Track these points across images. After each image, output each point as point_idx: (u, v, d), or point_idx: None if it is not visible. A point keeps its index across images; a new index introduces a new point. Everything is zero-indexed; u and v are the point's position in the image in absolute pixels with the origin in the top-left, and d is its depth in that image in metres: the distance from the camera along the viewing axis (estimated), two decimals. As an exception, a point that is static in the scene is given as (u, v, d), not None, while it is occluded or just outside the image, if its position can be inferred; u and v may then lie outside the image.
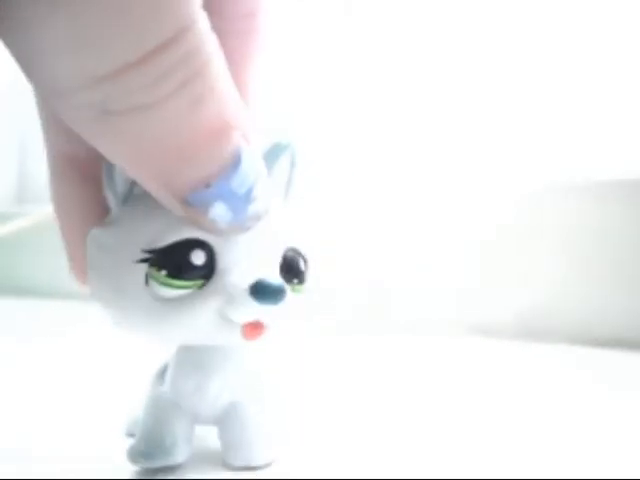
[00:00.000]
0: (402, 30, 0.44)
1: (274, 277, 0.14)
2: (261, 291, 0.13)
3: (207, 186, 0.11)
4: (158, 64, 0.10)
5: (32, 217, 0.45)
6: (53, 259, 0.59)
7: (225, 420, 0.16)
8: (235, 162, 0.11)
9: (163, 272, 0.13)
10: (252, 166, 0.12)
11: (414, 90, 0.44)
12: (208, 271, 0.13)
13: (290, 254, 0.15)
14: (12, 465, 0.16)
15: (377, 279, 0.41)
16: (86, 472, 0.16)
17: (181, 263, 0.13)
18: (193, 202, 0.12)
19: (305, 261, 0.15)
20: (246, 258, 0.14)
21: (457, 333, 0.37)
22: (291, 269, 0.15)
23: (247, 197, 0.12)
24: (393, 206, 0.41)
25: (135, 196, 0.14)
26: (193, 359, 0.16)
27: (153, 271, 0.13)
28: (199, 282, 0.13)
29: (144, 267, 0.13)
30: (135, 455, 0.15)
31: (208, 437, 0.17)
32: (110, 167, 0.14)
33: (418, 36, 0.43)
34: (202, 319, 0.13)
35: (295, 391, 0.20)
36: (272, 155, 0.15)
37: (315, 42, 0.46)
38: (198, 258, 0.13)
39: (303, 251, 0.15)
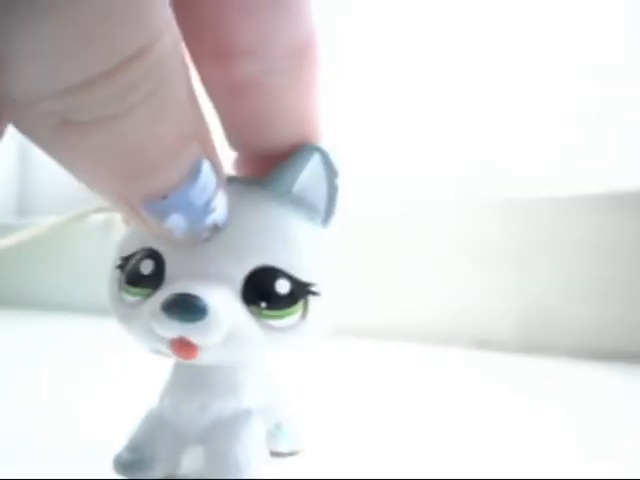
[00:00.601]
0: (400, 29, 0.44)
1: (202, 294, 0.13)
2: (170, 305, 0.12)
3: (164, 198, 0.11)
4: (124, 77, 0.09)
5: (32, 229, 0.45)
6: (53, 271, 0.60)
7: (208, 440, 0.15)
8: (194, 174, 0.11)
9: (123, 278, 0.14)
10: (211, 177, 0.12)
11: (413, 92, 0.44)
12: (156, 281, 0.14)
13: (259, 273, 0.13)
14: (12, 465, 0.16)
15: (377, 288, 0.41)
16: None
17: (133, 271, 0.14)
18: (149, 212, 0.12)
19: (299, 284, 0.14)
20: (192, 272, 0.13)
21: (456, 345, 0.37)
22: (254, 290, 0.13)
23: (205, 208, 0.12)
24: (390, 210, 0.42)
25: None
26: (181, 376, 0.16)
27: (121, 276, 0.14)
28: (146, 291, 0.14)
29: (118, 273, 0.14)
30: (116, 464, 0.15)
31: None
32: None
33: (414, 34, 0.44)
34: (140, 328, 0.14)
35: (305, 411, 0.20)
36: (298, 160, 0.14)
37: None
38: (146, 267, 0.14)
39: (298, 274, 0.14)
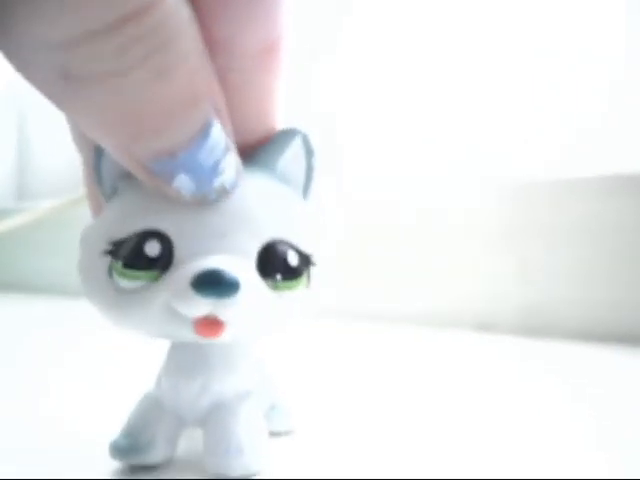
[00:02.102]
0: (400, 22, 0.44)
1: (229, 268, 0.12)
2: (202, 282, 0.12)
3: (172, 156, 0.11)
4: (123, 34, 0.10)
5: (31, 213, 0.45)
6: (52, 255, 0.60)
7: (207, 423, 0.15)
8: (203, 133, 0.11)
9: (120, 263, 0.13)
10: (220, 139, 0.12)
11: (412, 87, 0.44)
12: (164, 263, 0.13)
13: (273, 246, 0.14)
14: (12, 465, 0.16)
15: (378, 272, 0.41)
16: (70, 469, 0.16)
17: (135, 254, 0.13)
18: (157, 171, 0.11)
19: (303, 256, 0.14)
20: (208, 249, 0.13)
21: (457, 328, 0.37)
22: (270, 263, 0.14)
23: (214, 169, 0.12)
24: (392, 199, 0.41)
25: (118, 193, 0.14)
26: (179, 358, 0.16)
27: (113, 262, 0.13)
28: (153, 274, 0.13)
29: (108, 259, 0.13)
30: (113, 450, 0.15)
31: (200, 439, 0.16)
32: (98, 166, 0.14)
33: (417, 25, 0.43)
34: (152, 312, 0.13)
35: (299, 392, 0.20)
36: (281, 142, 0.15)
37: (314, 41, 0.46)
38: (152, 249, 0.13)
39: (301, 246, 0.14)
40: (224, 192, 0.13)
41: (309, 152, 0.15)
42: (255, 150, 0.15)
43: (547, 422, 0.20)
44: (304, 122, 0.15)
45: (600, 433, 0.19)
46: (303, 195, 0.16)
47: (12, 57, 0.10)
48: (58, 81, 0.10)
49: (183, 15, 0.10)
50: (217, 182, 0.12)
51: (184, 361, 0.15)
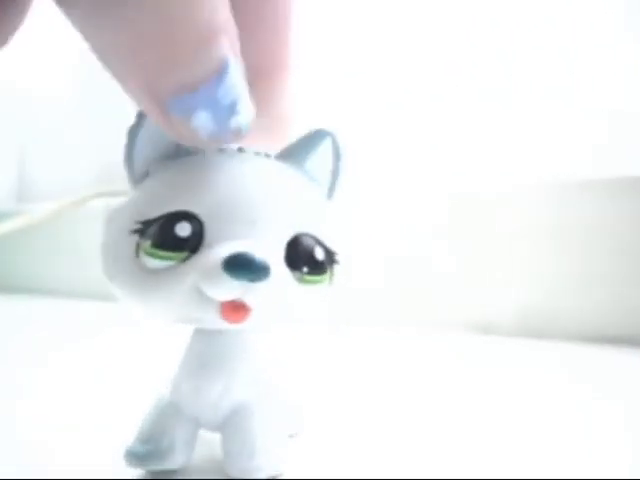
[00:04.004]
0: (403, 24, 0.44)
1: (259, 253, 0.12)
2: (235, 264, 0.12)
3: (193, 91, 0.11)
4: None
5: (31, 216, 0.45)
6: (51, 257, 0.60)
7: (227, 427, 0.15)
8: (222, 70, 0.11)
9: (148, 242, 0.13)
10: (238, 77, 0.11)
11: (412, 90, 0.44)
12: (194, 244, 0.13)
13: (301, 239, 0.14)
14: (11, 465, 0.16)
15: (379, 276, 0.41)
16: (87, 473, 0.16)
17: (165, 233, 0.13)
18: (176, 108, 0.11)
19: (328, 252, 0.14)
20: (238, 234, 0.13)
21: (457, 330, 0.37)
22: (297, 255, 0.14)
23: (231, 108, 0.12)
24: (394, 202, 0.41)
25: (149, 176, 0.14)
26: (197, 360, 0.15)
27: (141, 241, 0.13)
28: (183, 254, 0.13)
29: (136, 238, 0.13)
30: (131, 457, 0.15)
31: (215, 443, 0.16)
32: (131, 150, 0.14)
33: (415, 35, 0.43)
34: (178, 293, 0.13)
35: (306, 394, 0.20)
36: (311, 142, 0.15)
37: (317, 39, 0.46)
38: (183, 230, 0.13)
39: (327, 243, 0.14)
40: (239, 134, 0.12)
41: (337, 154, 0.15)
42: (286, 146, 0.15)
43: (547, 423, 0.19)
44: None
45: (600, 433, 0.18)
46: (328, 195, 0.16)
47: None
48: (92, 3, 0.10)
49: None
50: (234, 122, 0.12)
51: (205, 364, 0.15)
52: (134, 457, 0.15)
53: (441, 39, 0.42)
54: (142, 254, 0.13)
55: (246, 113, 0.12)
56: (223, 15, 0.11)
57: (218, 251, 0.13)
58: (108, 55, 0.11)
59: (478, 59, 0.41)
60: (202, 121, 0.12)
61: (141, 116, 0.14)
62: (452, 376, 0.26)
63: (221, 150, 0.14)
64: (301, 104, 0.16)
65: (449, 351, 0.32)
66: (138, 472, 0.15)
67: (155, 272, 0.13)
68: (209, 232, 0.13)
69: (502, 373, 0.27)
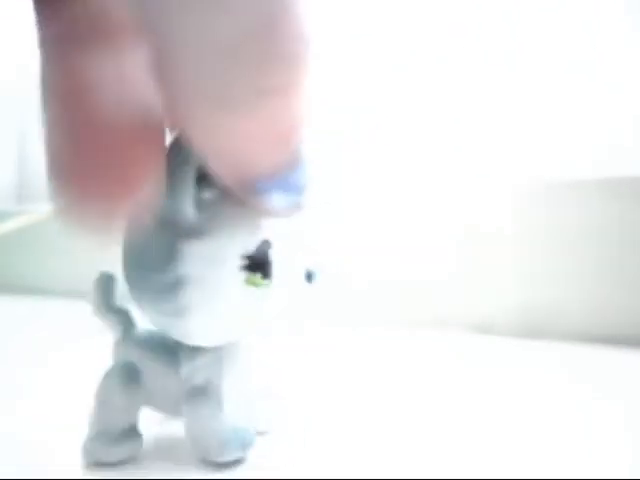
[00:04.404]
0: (399, 28, 0.44)
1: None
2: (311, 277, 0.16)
3: (274, 177, 0.13)
4: (270, 49, 0.10)
5: (31, 215, 0.45)
6: (51, 257, 0.60)
7: (188, 412, 0.16)
8: (299, 159, 0.13)
9: (258, 274, 0.15)
10: (308, 162, 0.13)
11: (410, 88, 0.44)
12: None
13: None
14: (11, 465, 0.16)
15: (379, 276, 0.41)
16: (87, 473, 0.16)
17: (267, 263, 0.15)
18: (259, 190, 0.13)
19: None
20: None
21: (457, 330, 0.37)
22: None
23: (302, 190, 0.13)
24: (393, 203, 0.41)
25: (205, 203, 0.14)
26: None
27: (249, 274, 0.14)
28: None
29: (242, 272, 0.14)
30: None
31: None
32: (187, 175, 0.14)
33: (415, 33, 0.43)
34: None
35: (284, 388, 0.20)
36: None
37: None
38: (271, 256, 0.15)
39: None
40: (301, 209, 0.14)
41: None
42: None
43: (547, 423, 0.19)
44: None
45: (600, 433, 0.18)
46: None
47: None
48: (214, 111, 0.11)
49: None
50: (303, 200, 0.14)
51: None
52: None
53: (439, 36, 0.42)
54: (249, 285, 0.15)
55: (308, 191, 0.14)
56: (301, 112, 0.12)
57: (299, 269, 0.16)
58: (210, 152, 0.12)
59: (476, 55, 0.41)
60: (278, 200, 0.13)
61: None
62: (452, 376, 0.26)
63: None
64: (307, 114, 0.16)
65: (449, 351, 0.32)
66: (138, 470, 0.15)
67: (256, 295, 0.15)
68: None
69: (502, 373, 0.27)
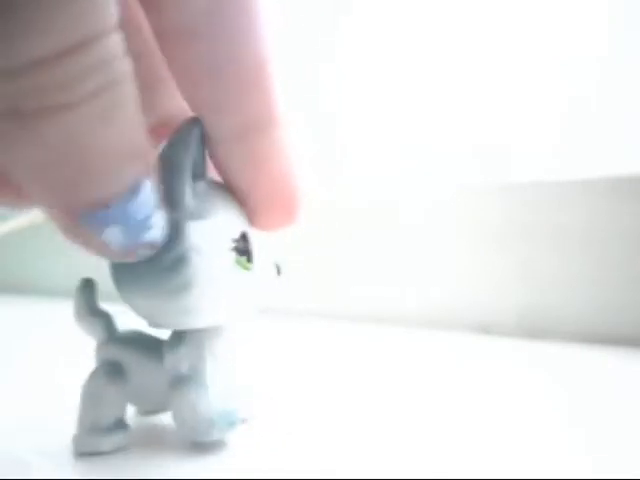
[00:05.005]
0: (401, 17, 0.44)
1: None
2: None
3: (105, 207, 0.11)
4: (71, 64, 0.10)
5: (31, 215, 0.45)
6: (51, 257, 0.60)
7: (173, 399, 0.17)
8: (137, 187, 0.12)
9: (244, 258, 0.16)
10: (151, 194, 0.12)
11: (413, 87, 0.44)
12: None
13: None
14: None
15: (378, 273, 0.41)
16: (87, 473, 0.16)
17: (248, 250, 0.16)
18: (88, 221, 0.11)
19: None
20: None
21: (458, 330, 0.37)
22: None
23: (143, 224, 0.12)
24: (391, 198, 0.41)
25: (197, 193, 0.15)
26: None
27: (237, 257, 0.16)
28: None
29: (233, 254, 0.16)
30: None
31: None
32: (187, 167, 0.15)
33: (415, 21, 0.43)
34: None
35: (294, 393, 0.21)
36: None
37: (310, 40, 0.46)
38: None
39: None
40: (152, 248, 0.13)
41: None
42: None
43: (547, 424, 0.19)
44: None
45: (600, 435, 0.18)
46: None
47: None
48: (6, 118, 0.10)
49: (126, 63, 0.11)
50: (147, 237, 0.13)
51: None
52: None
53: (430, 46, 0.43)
54: (237, 266, 0.16)
55: (158, 229, 0.13)
56: (140, 134, 0.12)
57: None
58: (17, 167, 0.11)
59: (472, 57, 0.41)
60: (113, 235, 0.12)
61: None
62: (452, 376, 0.26)
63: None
64: (301, 160, 0.16)
65: (449, 351, 0.32)
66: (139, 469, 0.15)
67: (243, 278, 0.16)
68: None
69: (502, 373, 0.27)
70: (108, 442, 0.17)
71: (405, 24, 0.44)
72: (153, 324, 0.17)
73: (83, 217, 0.11)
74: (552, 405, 0.22)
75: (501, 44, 0.40)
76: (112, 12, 0.10)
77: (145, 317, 0.16)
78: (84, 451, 0.17)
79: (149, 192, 0.12)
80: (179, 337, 0.17)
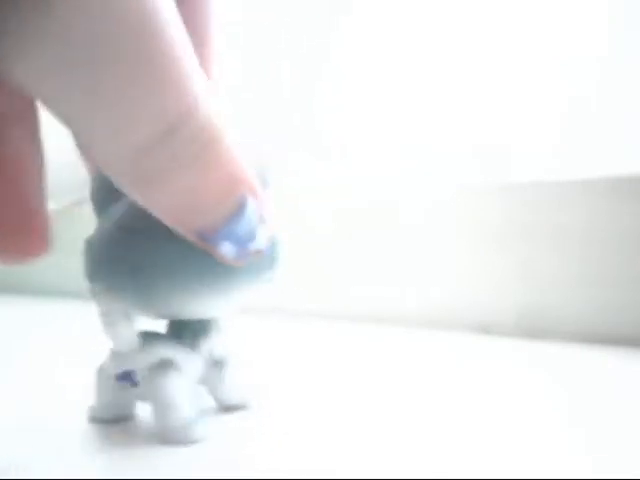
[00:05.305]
0: (400, 18, 0.44)
1: None
2: None
3: (214, 232, 0.14)
4: (169, 144, 0.12)
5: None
6: (51, 257, 0.59)
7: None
8: (240, 211, 0.14)
9: None
10: (254, 213, 0.14)
11: (414, 87, 0.44)
12: None
13: None
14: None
15: (378, 273, 0.41)
16: (89, 474, 0.16)
17: None
18: (205, 240, 0.14)
19: None
20: None
21: (458, 330, 0.37)
22: None
23: (249, 238, 0.15)
24: (391, 198, 0.41)
25: None
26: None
27: None
28: None
29: None
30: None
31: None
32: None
33: (415, 21, 0.43)
34: None
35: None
36: None
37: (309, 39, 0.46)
38: None
39: None
40: (259, 253, 0.16)
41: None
42: None
43: (547, 424, 0.19)
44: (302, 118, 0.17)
45: (600, 435, 0.18)
46: None
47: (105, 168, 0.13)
48: (135, 182, 0.13)
49: (221, 116, 0.13)
50: (252, 246, 0.15)
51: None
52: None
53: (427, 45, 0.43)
54: None
55: (263, 238, 0.15)
56: (237, 167, 0.14)
57: None
58: (153, 209, 0.14)
59: (473, 57, 0.41)
60: (227, 248, 0.15)
61: None
62: (452, 376, 0.26)
63: None
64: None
65: (449, 351, 0.32)
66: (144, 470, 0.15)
67: None
68: None
69: (502, 373, 0.27)
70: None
71: (405, 24, 0.44)
72: (174, 315, 0.18)
73: (199, 236, 0.14)
74: (552, 405, 0.22)
75: (501, 44, 0.40)
76: (201, 79, 0.12)
77: (173, 309, 0.17)
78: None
79: (252, 210, 0.14)
80: (206, 325, 0.19)
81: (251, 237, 0.15)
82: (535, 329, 0.36)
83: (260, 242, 0.15)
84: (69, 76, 0.11)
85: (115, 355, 0.19)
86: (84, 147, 0.13)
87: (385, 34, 0.44)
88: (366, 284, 0.42)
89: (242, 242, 0.15)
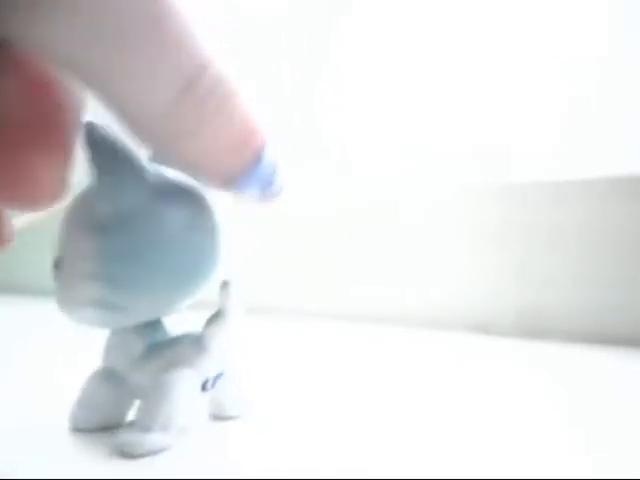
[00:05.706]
0: (401, 17, 0.44)
1: None
2: None
3: (244, 173, 0.15)
4: (191, 97, 0.13)
5: (32, 215, 0.45)
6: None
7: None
8: (260, 157, 0.15)
9: None
10: (271, 157, 0.16)
11: (414, 89, 0.44)
12: None
13: None
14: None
15: (377, 273, 0.41)
16: (89, 473, 0.16)
17: None
18: (235, 185, 0.15)
19: None
20: None
21: (457, 330, 0.37)
22: None
23: (270, 180, 0.16)
24: (391, 198, 0.41)
25: None
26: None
27: None
28: None
29: None
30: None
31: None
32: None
33: (415, 20, 0.43)
34: None
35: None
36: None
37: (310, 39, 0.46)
38: None
39: None
40: (279, 193, 0.17)
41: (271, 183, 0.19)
42: None
43: (546, 424, 0.19)
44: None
45: (600, 435, 0.18)
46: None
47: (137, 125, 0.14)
48: (172, 132, 0.14)
49: (231, 75, 0.14)
50: (274, 187, 0.16)
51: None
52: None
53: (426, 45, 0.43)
54: None
55: (280, 178, 0.16)
56: (253, 119, 0.15)
57: None
58: (186, 161, 0.15)
59: (472, 57, 0.41)
60: (253, 191, 0.16)
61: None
62: (451, 375, 0.26)
63: None
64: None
65: (448, 350, 0.32)
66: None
67: None
68: None
69: (501, 373, 0.27)
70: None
71: (406, 25, 0.44)
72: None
73: (226, 182, 0.15)
74: (551, 404, 0.22)
75: (501, 44, 0.40)
76: (206, 49, 0.13)
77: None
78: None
79: (270, 155, 0.15)
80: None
81: (272, 180, 0.16)
82: (534, 329, 0.36)
83: (279, 182, 0.16)
84: (100, 43, 0.12)
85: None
86: (118, 114, 0.14)
87: (385, 35, 0.44)
88: (366, 284, 0.42)
89: (266, 183, 0.16)
